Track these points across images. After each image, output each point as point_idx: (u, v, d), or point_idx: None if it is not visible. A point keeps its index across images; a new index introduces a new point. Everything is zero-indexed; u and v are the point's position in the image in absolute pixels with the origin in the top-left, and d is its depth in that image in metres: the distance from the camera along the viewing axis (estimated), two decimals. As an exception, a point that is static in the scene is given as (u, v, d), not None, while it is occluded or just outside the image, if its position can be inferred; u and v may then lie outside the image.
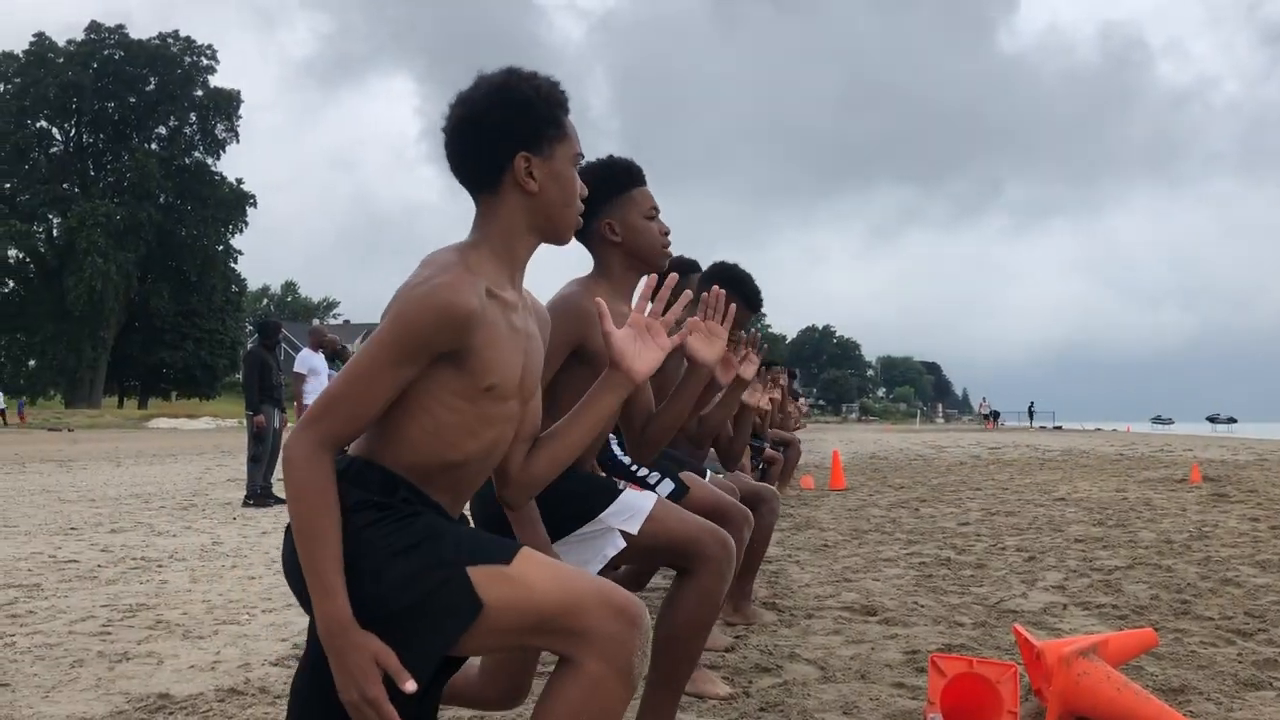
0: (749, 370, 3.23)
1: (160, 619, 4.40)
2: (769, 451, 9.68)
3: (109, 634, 4.10)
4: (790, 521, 8.24)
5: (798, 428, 15.62)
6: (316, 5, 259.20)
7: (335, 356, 12.36)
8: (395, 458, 1.70)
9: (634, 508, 2.59)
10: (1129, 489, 11.11)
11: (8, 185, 61.48)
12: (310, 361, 11.55)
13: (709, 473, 4.11)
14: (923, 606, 4.60)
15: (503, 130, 1.75)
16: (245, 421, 10.12)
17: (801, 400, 16.01)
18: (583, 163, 1.90)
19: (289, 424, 10.68)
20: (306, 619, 1.67)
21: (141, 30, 66.36)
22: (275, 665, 3.61)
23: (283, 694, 3.26)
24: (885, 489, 11.65)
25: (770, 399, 11.44)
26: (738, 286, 3.63)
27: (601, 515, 2.53)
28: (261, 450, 9.79)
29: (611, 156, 2.73)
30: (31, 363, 63.20)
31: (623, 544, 2.53)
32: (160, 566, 5.96)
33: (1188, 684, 3.22)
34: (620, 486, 2.63)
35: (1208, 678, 3.31)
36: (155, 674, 3.49)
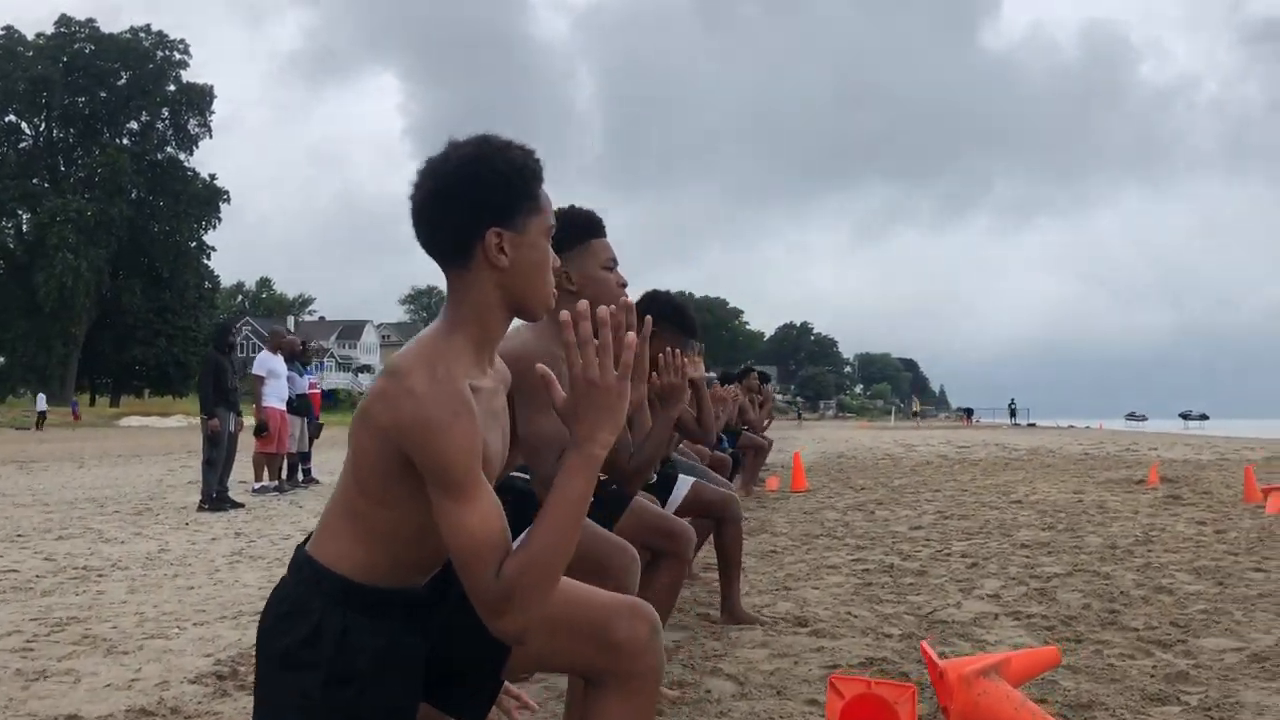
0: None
1: (88, 633, 4.37)
2: (717, 454, 9.67)
3: (31, 650, 4.07)
4: (745, 525, 8.22)
5: (764, 428, 15.68)
6: (304, 1, 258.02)
7: (294, 358, 12.32)
8: (370, 563, 1.68)
9: None
10: (1087, 490, 11.19)
11: (-24, 180, 60.94)
12: (269, 364, 11.51)
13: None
14: (855, 617, 4.62)
15: (475, 205, 1.68)
16: (201, 425, 10.05)
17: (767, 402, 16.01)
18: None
19: (245, 426, 10.62)
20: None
21: (130, 24, 65.43)
22: (193, 683, 3.58)
23: (195, 714, 3.24)
24: (846, 490, 11.69)
25: (749, 401, 11.52)
26: (673, 316, 3.61)
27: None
28: (216, 454, 9.73)
29: (572, 207, 2.74)
30: (1, 359, 62.61)
31: None
32: (100, 576, 5.91)
33: (1096, 699, 3.25)
34: None
35: (1117, 692, 3.34)
36: (69, 693, 3.46)
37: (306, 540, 1.74)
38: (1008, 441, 26.31)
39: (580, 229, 2.64)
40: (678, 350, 3.35)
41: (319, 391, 13.29)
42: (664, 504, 4.46)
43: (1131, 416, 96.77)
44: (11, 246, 61.27)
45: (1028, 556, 6.42)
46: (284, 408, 11.50)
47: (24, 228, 61.70)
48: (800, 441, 28.99)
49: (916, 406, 73.71)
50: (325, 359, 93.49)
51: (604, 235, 2.69)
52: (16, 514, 9.27)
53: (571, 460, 1.60)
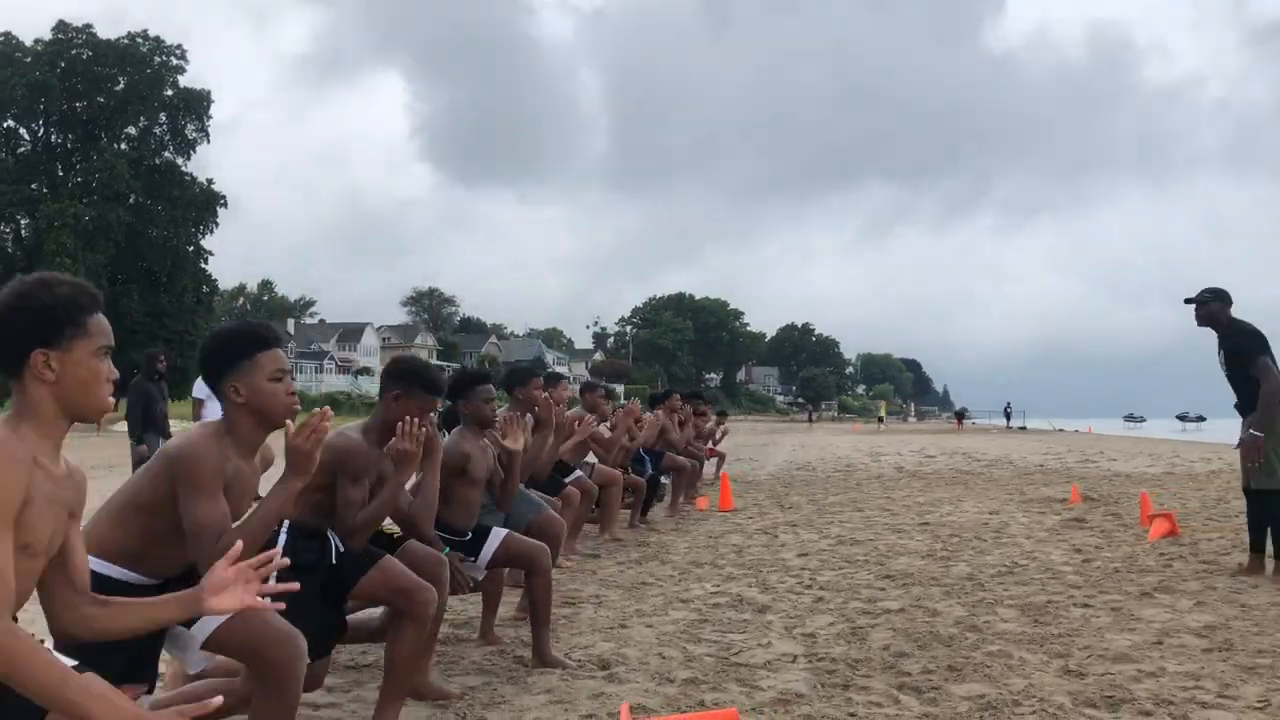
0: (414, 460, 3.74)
1: None
2: (633, 476, 9.96)
3: None
4: (641, 552, 8.53)
5: (711, 448, 15.96)
6: (308, 2, 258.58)
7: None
8: None
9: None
10: (1004, 511, 11.46)
11: (-25, 186, 61.40)
12: (208, 387, 11.81)
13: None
14: (662, 659, 4.90)
15: (20, 330, 2.13)
16: (131, 451, 10.38)
17: (714, 420, 16.32)
18: (227, 324, 2.38)
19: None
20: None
21: (137, 27, 65.88)
22: None
23: None
24: (774, 510, 11.95)
25: (670, 422, 11.80)
26: (419, 380, 3.91)
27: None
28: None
29: (243, 321, 3.08)
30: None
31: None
32: None
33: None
34: None
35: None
36: None
37: None
38: (977, 450, 26.56)
39: (244, 345, 2.92)
40: (417, 419, 3.69)
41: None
42: (476, 557, 4.77)
43: (1130, 418, 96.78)
44: (10, 251, 61.74)
45: (881, 590, 6.70)
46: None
47: (23, 233, 62.23)
48: (780, 449, 29.30)
49: (882, 411, 73.52)
50: (326, 361, 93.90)
51: (272, 347, 2.94)
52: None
53: (186, 600, 2.32)
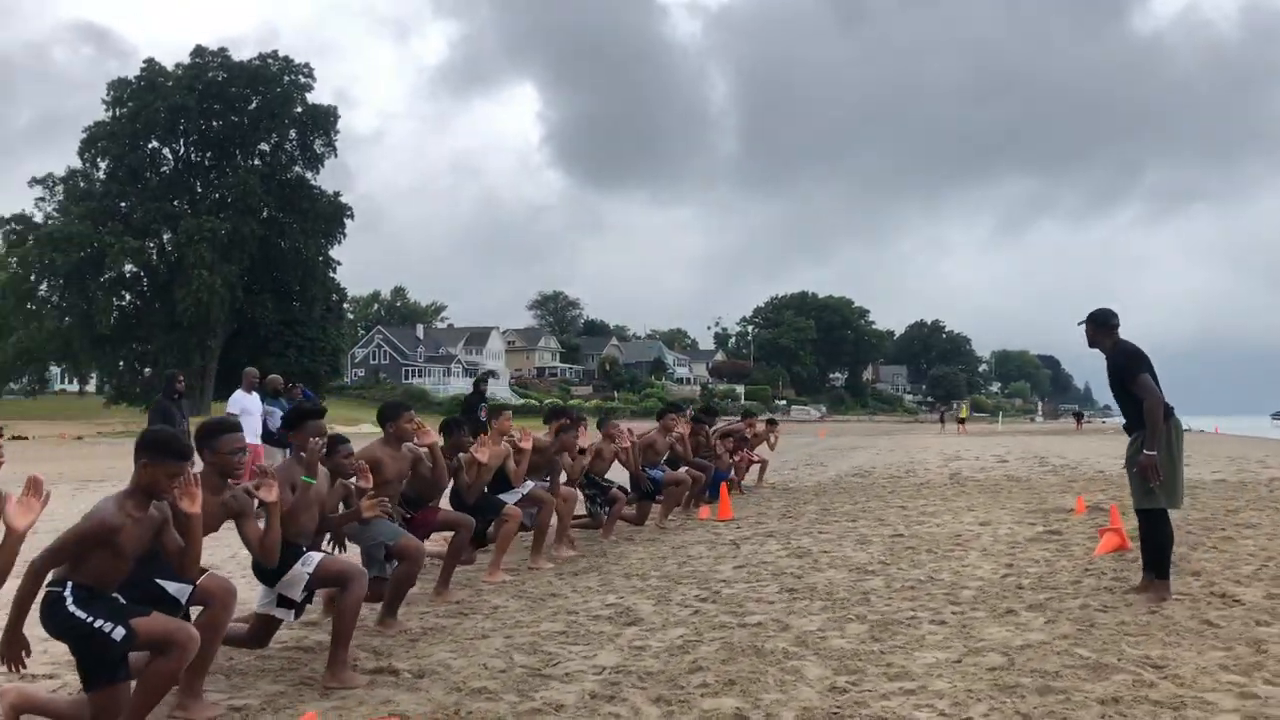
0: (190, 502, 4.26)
1: None
2: (613, 491, 10.40)
3: None
4: (591, 563, 8.94)
5: (749, 455, 16.29)
6: (448, 13, 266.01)
7: (278, 395, 13.54)
8: None
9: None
10: (997, 521, 11.47)
11: (124, 204, 65.50)
12: (242, 402, 12.73)
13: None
14: (484, 668, 5.35)
15: None
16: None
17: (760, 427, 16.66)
18: None
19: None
20: None
21: (290, 43, 69.80)
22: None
23: None
24: (771, 520, 12.18)
25: (687, 434, 12.22)
26: (161, 447, 4.27)
27: None
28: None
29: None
30: (147, 371, 67.07)
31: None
32: None
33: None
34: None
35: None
36: None
37: None
38: (1057, 454, 25.97)
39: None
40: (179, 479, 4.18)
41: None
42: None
43: (1278, 415, 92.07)
44: (155, 264, 65.66)
45: (769, 604, 6.99)
46: (258, 441, 12.70)
47: (166, 246, 66.11)
48: (862, 453, 29.19)
49: (963, 413, 70.34)
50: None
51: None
52: None
53: None
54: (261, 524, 4.91)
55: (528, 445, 8.54)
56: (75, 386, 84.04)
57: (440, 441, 7.59)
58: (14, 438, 37.04)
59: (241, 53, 66.27)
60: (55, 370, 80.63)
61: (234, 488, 4.93)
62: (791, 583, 7.80)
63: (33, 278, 63.19)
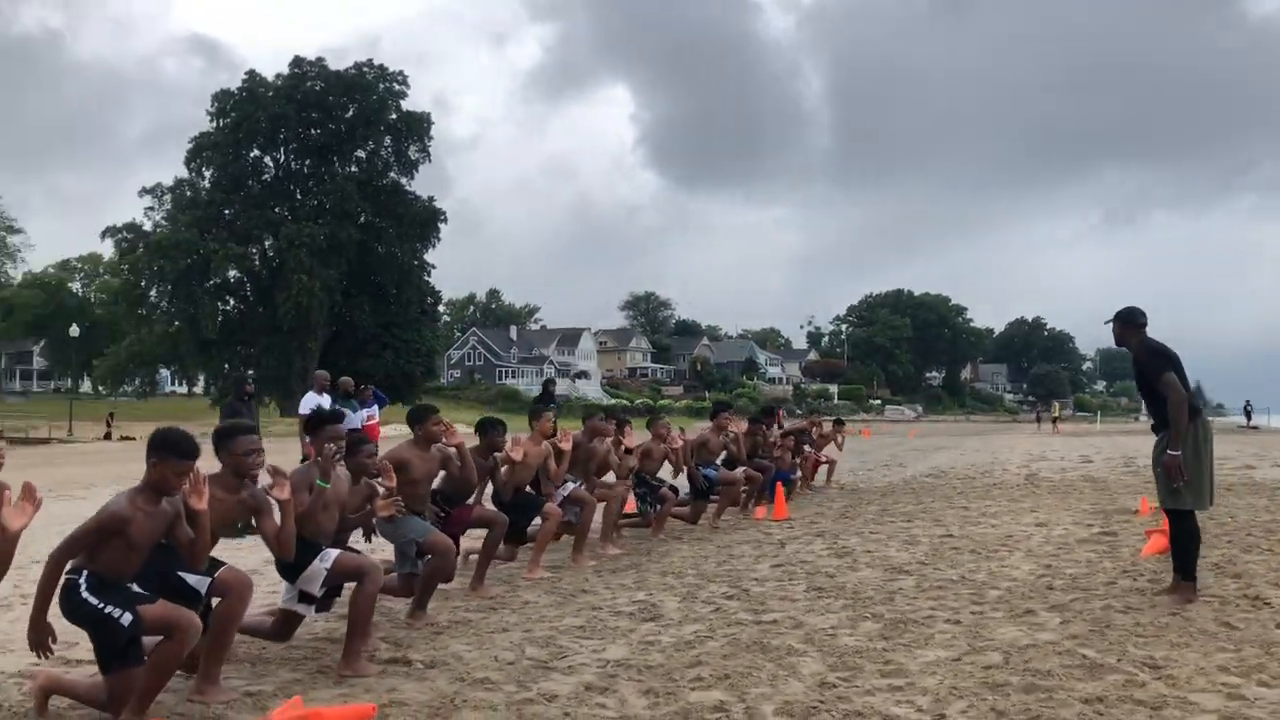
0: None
1: None
2: (663, 490, 10.57)
3: None
4: (633, 560, 9.12)
5: (816, 455, 16.33)
6: (544, 17, 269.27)
7: (349, 397, 14.01)
8: None
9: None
10: (1056, 521, 11.34)
11: (228, 211, 67.70)
12: (313, 403, 13.19)
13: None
14: (494, 660, 5.56)
15: None
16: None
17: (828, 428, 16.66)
18: None
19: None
20: None
21: (388, 51, 71.87)
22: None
23: None
24: (826, 520, 12.18)
25: (738, 434, 12.33)
26: (169, 446, 4.58)
27: None
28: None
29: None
30: (250, 373, 69.33)
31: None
32: None
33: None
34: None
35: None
36: None
37: None
38: (1146, 454, 25.22)
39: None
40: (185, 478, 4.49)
41: (376, 424, 14.91)
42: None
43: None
44: (257, 270, 67.78)
45: (793, 602, 7.08)
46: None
47: (268, 252, 68.19)
48: (948, 453, 28.82)
49: (1056, 411, 68.48)
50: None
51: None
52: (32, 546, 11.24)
53: None
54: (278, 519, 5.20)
55: (568, 446, 8.76)
56: (184, 389, 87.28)
57: (476, 442, 7.86)
58: (123, 438, 38.66)
59: (345, 61, 67.88)
60: (165, 373, 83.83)
61: (251, 486, 5.22)
62: (822, 581, 7.86)
63: (142, 284, 65.74)
